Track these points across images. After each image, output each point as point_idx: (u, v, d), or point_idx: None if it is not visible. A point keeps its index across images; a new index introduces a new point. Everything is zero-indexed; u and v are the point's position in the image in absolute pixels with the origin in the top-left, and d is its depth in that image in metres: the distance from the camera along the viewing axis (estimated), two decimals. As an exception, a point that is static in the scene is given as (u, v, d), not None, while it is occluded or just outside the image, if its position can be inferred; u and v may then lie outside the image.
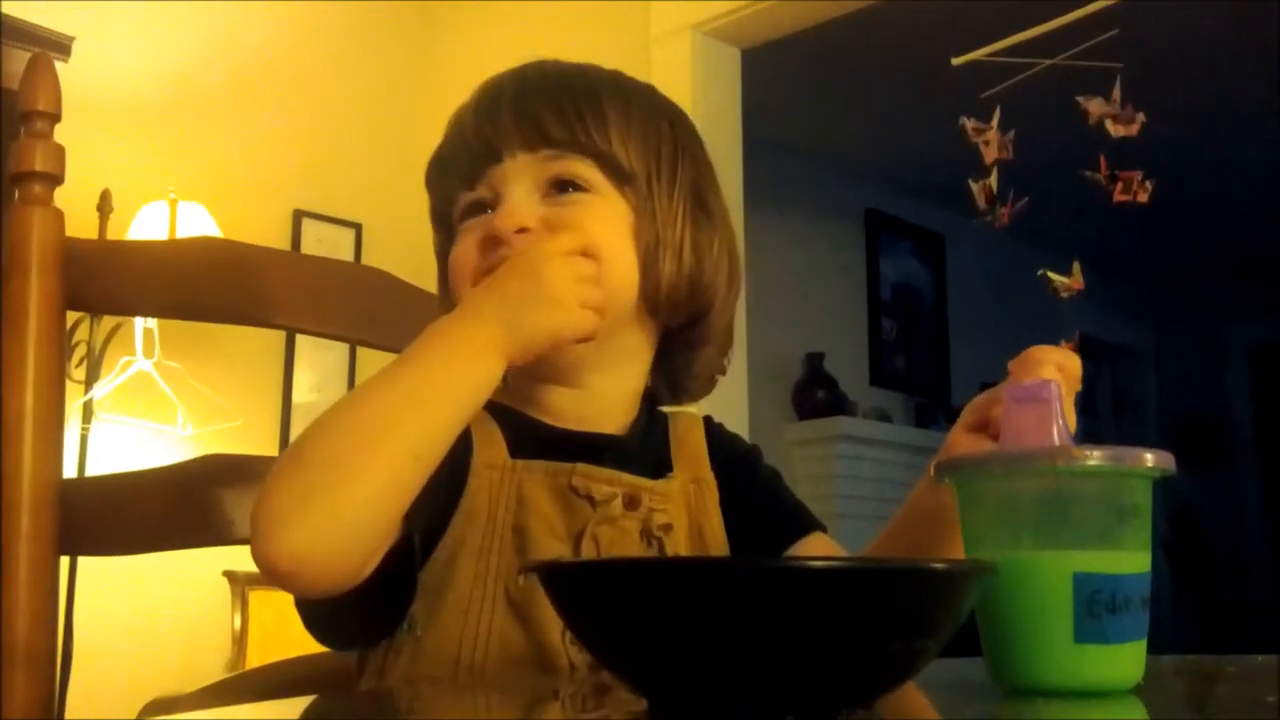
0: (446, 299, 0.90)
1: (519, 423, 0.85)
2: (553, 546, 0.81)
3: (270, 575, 0.66)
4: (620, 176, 0.85)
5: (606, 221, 0.84)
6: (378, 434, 0.69)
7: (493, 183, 0.85)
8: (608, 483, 0.84)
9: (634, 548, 0.83)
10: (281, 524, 0.66)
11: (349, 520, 0.67)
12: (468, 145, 0.87)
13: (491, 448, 0.82)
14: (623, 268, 0.84)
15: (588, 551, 0.81)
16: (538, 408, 0.86)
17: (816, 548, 0.91)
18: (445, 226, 0.91)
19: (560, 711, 0.66)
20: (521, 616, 0.78)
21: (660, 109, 0.91)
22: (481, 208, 0.86)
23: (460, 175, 0.87)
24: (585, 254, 0.79)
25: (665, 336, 0.90)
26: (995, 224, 2.38)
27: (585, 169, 0.85)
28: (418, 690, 0.78)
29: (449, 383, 0.73)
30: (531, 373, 0.82)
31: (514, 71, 0.89)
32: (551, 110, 0.85)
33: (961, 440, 0.86)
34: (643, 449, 0.89)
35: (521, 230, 0.83)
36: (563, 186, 0.85)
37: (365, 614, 0.76)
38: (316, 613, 0.76)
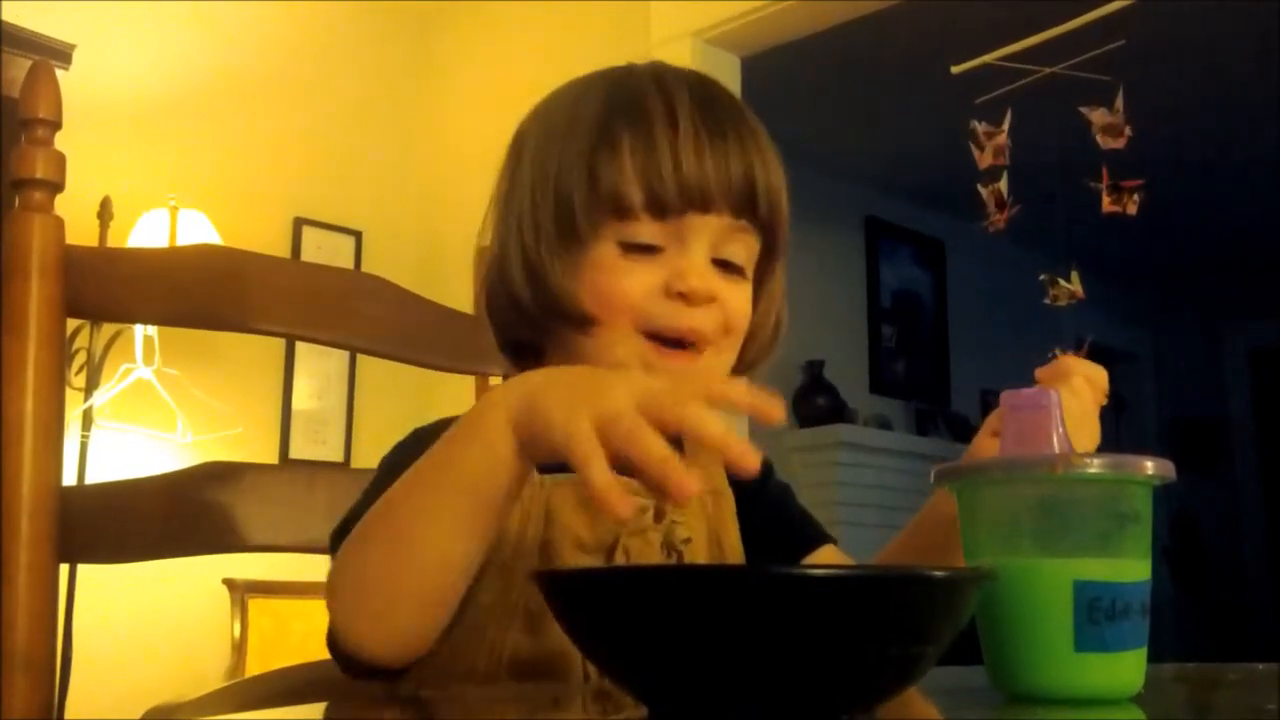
0: (499, 274, 0.84)
1: None
2: (577, 559, 0.80)
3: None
4: (768, 259, 0.87)
5: (748, 304, 0.86)
6: (407, 550, 0.67)
7: (683, 229, 0.80)
8: (636, 493, 0.83)
9: (655, 560, 0.83)
10: (353, 631, 0.69)
11: (403, 631, 0.69)
12: (681, 176, 0.78)
13: None
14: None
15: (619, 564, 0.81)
16: None
17: (827, 560, 0.91)
18: (568, 214, 0.80)
19: (560, 717, 0.66)
20: (539, 628, 0.78)
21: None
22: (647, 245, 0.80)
23: (652, 200, 0.79)
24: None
25: None
26: (991, 228, 2.39)
27: (753, 249, 0.85)
28: (425, 696, 0.77)
29: (461, 480, 0.66)
30: None
31: (735, 108, 0.84)
32: (765, 180, 0.82)
33: (985, 445, 0.87)
34: None
35: (711, 300, 0.81)
36: (726, 262, 0.83)
37: None
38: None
